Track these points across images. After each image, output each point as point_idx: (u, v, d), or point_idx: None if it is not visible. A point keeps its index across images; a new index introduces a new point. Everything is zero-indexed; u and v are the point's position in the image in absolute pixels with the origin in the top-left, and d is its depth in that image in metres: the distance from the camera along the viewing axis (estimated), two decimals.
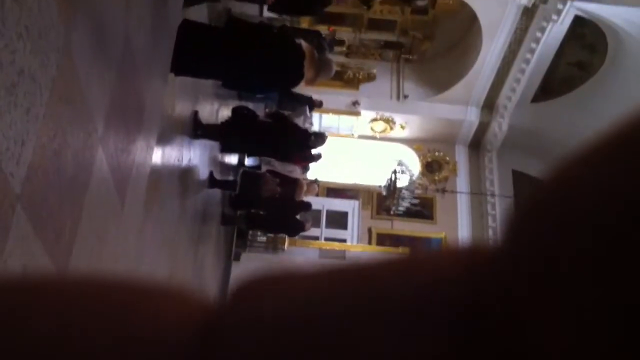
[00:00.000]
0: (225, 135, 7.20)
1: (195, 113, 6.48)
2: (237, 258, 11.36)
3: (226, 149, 8.15)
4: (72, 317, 0.38)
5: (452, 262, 0.34)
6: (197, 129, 6.50)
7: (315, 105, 10.38)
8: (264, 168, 9.01)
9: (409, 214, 13.41)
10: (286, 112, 9.68)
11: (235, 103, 9.03)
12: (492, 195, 14.09)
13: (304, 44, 4.97)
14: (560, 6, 10.75)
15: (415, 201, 13.10)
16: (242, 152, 9.48)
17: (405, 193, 12.82)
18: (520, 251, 0.30)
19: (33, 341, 0.36)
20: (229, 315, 0.37)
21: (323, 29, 12.82)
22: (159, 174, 4.78)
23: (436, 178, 15.05)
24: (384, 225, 14.17)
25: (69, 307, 0.38)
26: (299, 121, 9.22)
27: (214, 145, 7.73)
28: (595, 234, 0.26)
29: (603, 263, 0.25)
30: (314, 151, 9.15)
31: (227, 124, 7.44)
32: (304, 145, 8.14)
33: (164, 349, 0.36)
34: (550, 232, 0.28)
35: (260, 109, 9.89)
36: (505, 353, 0.29)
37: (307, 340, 0.33)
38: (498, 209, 13.71)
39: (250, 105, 9.28)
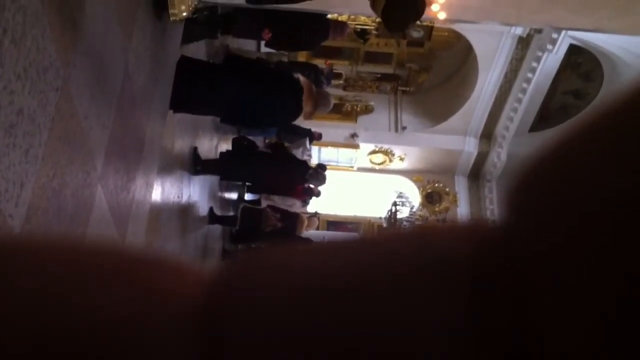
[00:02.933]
0: (224, 164, 7.23)
1: (195, 149, 6.49)
2: None
3: (225, 177, 8.14)
4: (83, 284, 0.37)
5: (459, 237, 0.34)
6: (197, 165, 6.51)
7: (314, 137, 10.42)
8: (264, 203, 9.01)
9: None
10: (286, 144, 9.73)
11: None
12: None
13: (301, 78, 5.00)
14: (555, 35, 10.83)
15: None
16: (241, 180, 9.48)
17: (406, 225, 12.79)
18: (523, 224, 0.30)
19: (41, 305, 0.35)
20: (231, 288, 0.36)
21: (320, 63, 12.89)
22: (158, 211, 4.76)
23: (437, 209, 15.03)
24: None
25: (77, 273, 0.37)
26: (297, 153, 9.25)
27: (214, 181, 7.73)
28: (600, 202, 0.26)
29: (608, 234, 0.26)
30: (313, 187, 9.18)
31: (227, 153, 7.49)
32: (301, 176, 8.16)
33: (171, 322, 0.35)
34: (553, 203, 0.29)
35: (259, 141, 9.93)
36: (510, 320, 0.29)
37: (309, 308, 0.33)
38: None
39: (250, 138, 9.34)
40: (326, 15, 7.13)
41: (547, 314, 0.28)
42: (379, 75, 15.25)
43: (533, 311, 0.28)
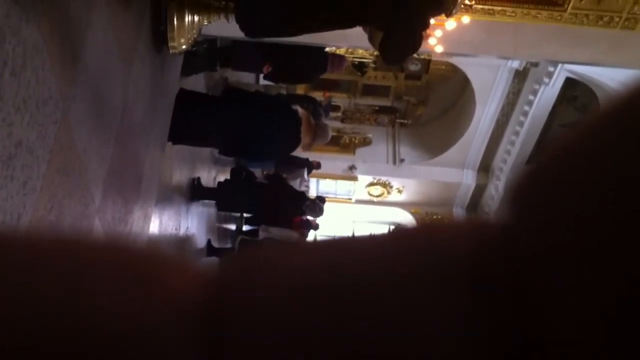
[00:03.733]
0: (221, 193, 7.23)
1: (193, 181, 6.50)
2: None
3: (222, 207, 8.15)
4: (82, 282, 0.36)
5: (458, 237, 0.34)
6: (195, 194, 6.52)
7: (313, 166, 10.41)
8: (261, 235, 8.99)
9: None
10: (284, 175, 9.75)
11: None
12: None
13: (300, 110, 5.04)
14: (551, 69, 10.92)
15: None
16: (238, 210, 9.48)
17: None
18: (523, 224, 0.31)
19: (40, 305, 0.34)
20: (231, 288, 0.36)
21: (319, 95, 12.98)
22: (156, 243, 4.74)
23: None
24: None
25: (76, 271, 0.37)
26: (295, 184, 9.27)
27: (212, 212, 7.72)
28: (598, 201, 0.26)
29: (607, 233, 0.26)
30: (311, 219, 9.18)
31: (224, 183, 7.51)
32: (297, 208, 8.16)
33: (171, 322, 0.35)
34: (552, 203, 0.29)
35: (258, 172, 9.97)
36: (514, 313, 0.29)
37: (310, 308, 0.33)
38: None
39: (248, 168, 9.38)
40: (324, 48, 7.20)
41: (547, 314, 0.28)
42: (376, 108, 15.33)
43: (533, 311, 0.28)
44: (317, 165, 10.61)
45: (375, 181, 15.05)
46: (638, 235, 0.25)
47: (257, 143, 4.89)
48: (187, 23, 4.11)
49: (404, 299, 0.31)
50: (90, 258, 0.38)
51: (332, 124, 12.84)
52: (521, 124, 12.57)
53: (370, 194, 15.37)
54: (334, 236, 0.39)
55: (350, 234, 0.39)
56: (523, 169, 0.32)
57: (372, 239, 0.37)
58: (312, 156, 10.14)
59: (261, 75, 8.48)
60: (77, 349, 0.33)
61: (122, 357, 0.33)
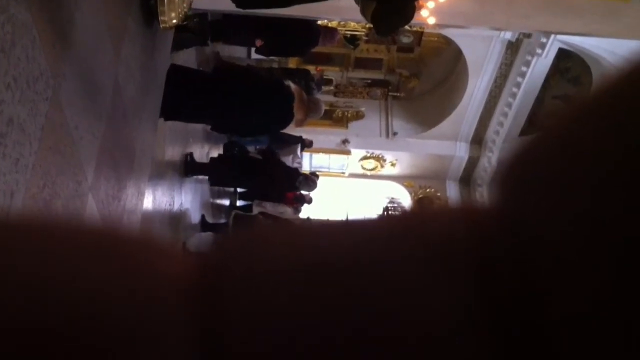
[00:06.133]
0: (214, 168, 7.22)
1: (186, 157, 6.48)
2: None
3: (215, 182, 8.14)
4: (81, 268, 0.36)
5: (457, 218, 0.34)
6: (188, 170, 6.50)
7: (306, 145, 10.41)
8: (255, 210, 9.00)
9: None
10: (277, 150, 9.74)
11: None
12: None
13: (292, 85, 5.00)
14: (544, 40, 10.88)
15: None
16: (231, 185, 9.47)
17: None
18: (522, 203, 0.30)
19: (39, 289, 0.34)
20: (231, 273, 0.35)
21: (311, 69, 12.91)
22: (150, 220, 4.74)
23: None
24: None
25: (75, 257, 0.37)
26: (288, 160, 9.25)
27: (205, 188, 7.71)
28: (597, 174, 0.26)
29: (608, 204, 0.25)
30: (305, 194, 9.17)
31: (217, 159, 7.49)
32: (290, 183, 8.16)
33: (174, 308, 0.34)
34: (550, 183, 0.28)
35: (251, 148, 9.94)
36: (515, 296, 0.29)
37: (310, 286, 0.33)
38: None
39: (241, 144, 9.35)
40: (316, 21, 7.15)
41: (548, 295, 0.28)
42: (369, 81, 15.28)
43: (534, 293, 0.28)
44: (310, 144, 10.60)
45: (368, 155, 15.04)
46: (637, 215, 0.24)
47: (249, 119, 4.87)
48: None
49: (404, 281, 0.31)
50: (88, 244, 0.38)
51: (325, 98, 12.80)
52: (514, 95, 12.55)
53: (364, 168, 15.37)
54: (328, 219, 0.38)
55: (345, 216, 0.39)
56: (514, 147, 0.32)
57: (369, 221, 0.37)
58: (305, 130, 10.11)
59: (253, 50, 8.43)
60: (76, 334, 0.33)
61: (121, 345, 0.33)
